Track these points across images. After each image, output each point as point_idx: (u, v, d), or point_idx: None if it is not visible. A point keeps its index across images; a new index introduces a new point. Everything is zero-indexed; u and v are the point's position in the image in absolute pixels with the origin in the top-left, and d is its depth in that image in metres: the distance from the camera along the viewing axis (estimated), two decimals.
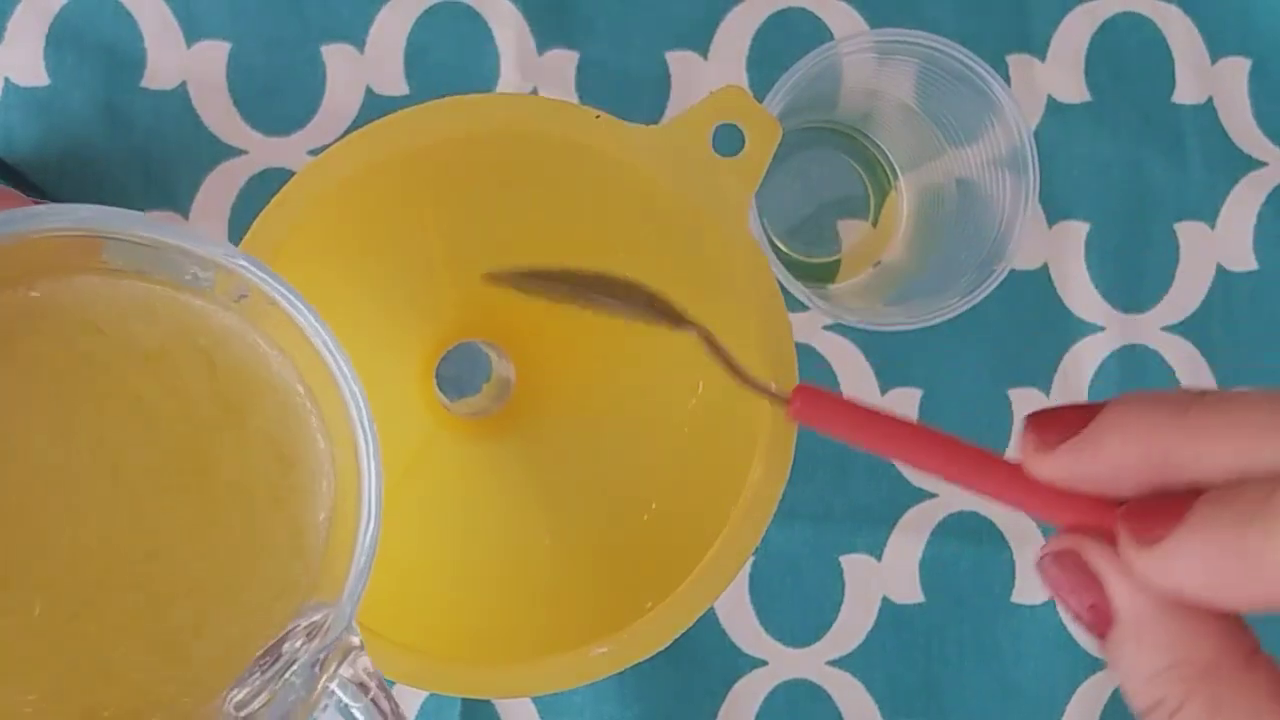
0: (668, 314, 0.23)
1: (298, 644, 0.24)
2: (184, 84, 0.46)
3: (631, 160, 0.25)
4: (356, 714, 0.23)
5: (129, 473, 0.23)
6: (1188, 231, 0.49)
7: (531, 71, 0.47)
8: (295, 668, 0.23)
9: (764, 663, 0.47)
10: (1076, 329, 0.48)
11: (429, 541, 0.30)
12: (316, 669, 0.23)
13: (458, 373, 0.37)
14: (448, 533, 0.31)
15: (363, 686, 0.23)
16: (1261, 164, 0.49)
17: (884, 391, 0.48)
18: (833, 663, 0.47)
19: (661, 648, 0.24)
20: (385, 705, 0.23)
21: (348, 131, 0.41)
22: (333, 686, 0.23)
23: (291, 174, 0.34)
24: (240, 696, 0.23)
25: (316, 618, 0.24)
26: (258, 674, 0.24)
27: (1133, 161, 0.49)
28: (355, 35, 0.46)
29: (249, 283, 0.23)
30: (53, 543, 0.23)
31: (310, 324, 0.23)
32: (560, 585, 0.29)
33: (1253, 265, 0.49)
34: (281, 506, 0.24)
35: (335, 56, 0.46)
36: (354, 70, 0.46)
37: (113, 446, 0.24)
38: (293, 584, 0.25)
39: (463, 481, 0.29)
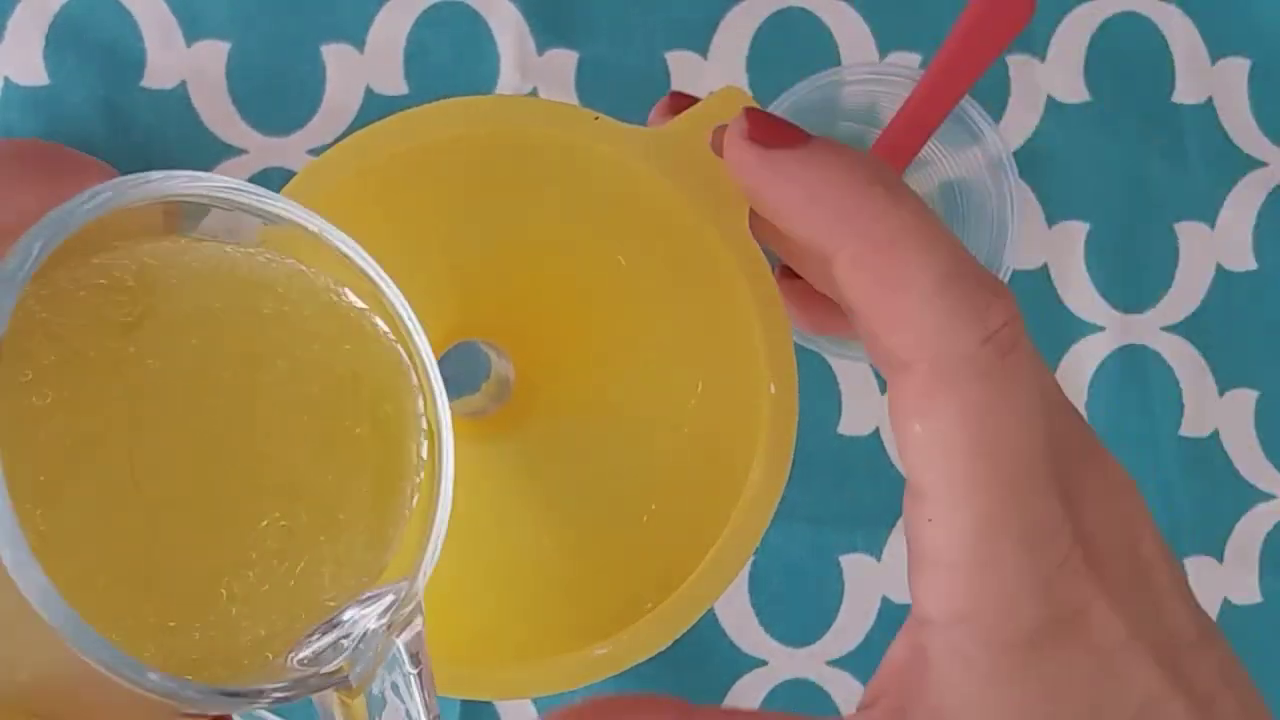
0: None
1: (358, 609, 0.24)
2: (184, 83, 0.46)
3: (630, 161, 0.25)
4: (412, 679, 0.23)
5: (262, 420, 0.23)
6: (1187, 231, 0.49)
7: (531, 71, 0.47)
8: (361, 631, 0.23)
9: (764, 662, 0.47)
10: (1076, 329, 0.48)
11: None
12: (383, 630, 0.23)
13: (456, 372, 0.37)
14: (447, 533, 0.31)
15: (415, 657, 0.23)
16: (1261, 164, 0.49)
17: (884, 390, 0.48)
18: (833, 662, 0.47)
19: (662, 648, 0.24)
20: (429, 679, 0.23)
21: (348, 131, 0.41)
22: (400, 645, 0.23)
23: (291, 174, 0.34)
24: (304, 655, 0.23)
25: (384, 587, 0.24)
26: (317, 636, 0.24)
27: (1133, 161, 0.49)
28: (355, 35, 0.46)
29: (322, 239, 0.24)
30: (187, 479, 0.23)
31: (384, 284, 0.23)
32: (560, 586, 0.28)
33: (1253, 265, 0.49)
34: (390, 463, 0.25)
35: (335, 56, 0.46)
36: (354, 70, 0.46)
37: (244, 390, 0.24)
38: (387, 540, 0.25)
39: (461, 482, 0.29)
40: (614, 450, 0.30)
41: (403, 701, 0.23)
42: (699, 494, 0.27)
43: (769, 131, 0.22)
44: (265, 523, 0.23)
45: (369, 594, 0.24)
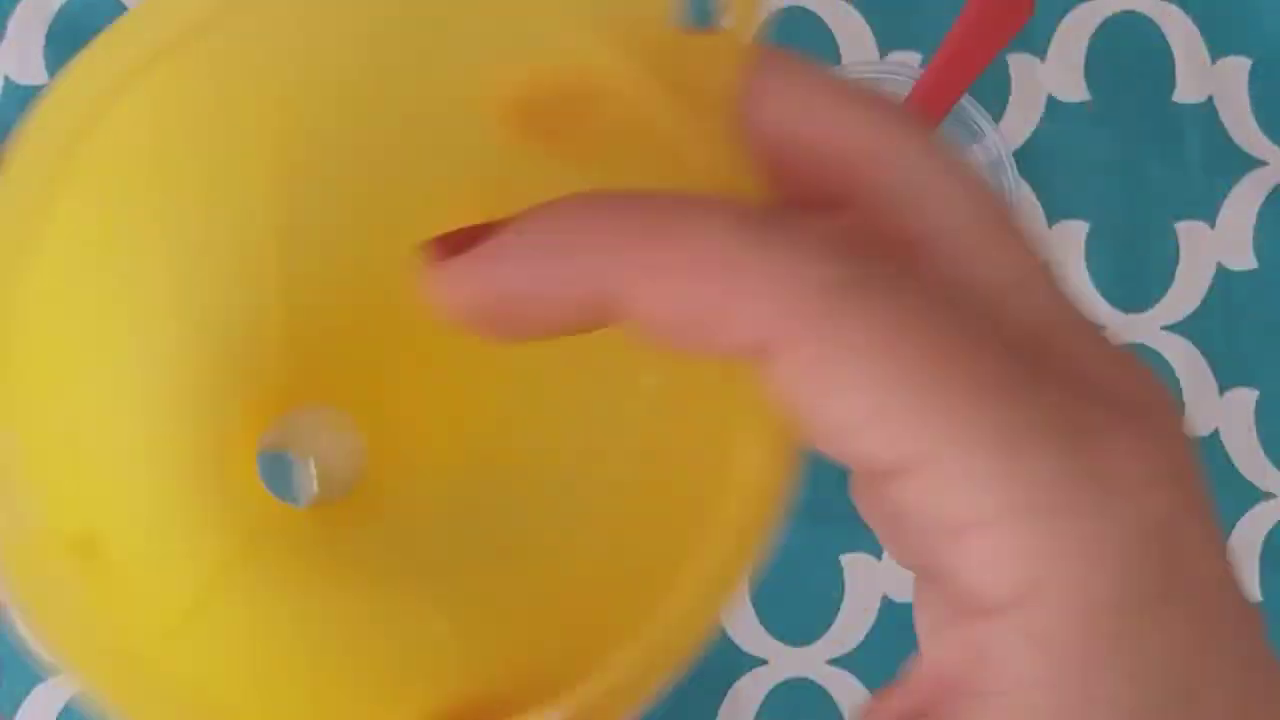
0: None
1: None
2: None
3: (560, 38, 0.16)
4: None
5: None
6: (1188, 231, 0.49)
7: None
8: None
9: (764, 661, 0.47)
10: None
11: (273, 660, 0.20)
12: None
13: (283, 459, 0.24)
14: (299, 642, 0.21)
15: None
16: (1262, 163, 0.49)
17: None
18: (833, 662, 0.47)
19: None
20: None
21: None
22: None
23: None
24: None
25: None
26: None
27: (1133, 161, 0.49)
28: None
29: None
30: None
31: None
32: (472, 665, 0.22)
33: (1253, 264, 0.49)
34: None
35: None
36: None
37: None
38: None
39: (307, 578, 0.20)
40: (533, 497, 0.22)
41: None
42: (650, 536, 0.21)
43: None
44: None
45: None
